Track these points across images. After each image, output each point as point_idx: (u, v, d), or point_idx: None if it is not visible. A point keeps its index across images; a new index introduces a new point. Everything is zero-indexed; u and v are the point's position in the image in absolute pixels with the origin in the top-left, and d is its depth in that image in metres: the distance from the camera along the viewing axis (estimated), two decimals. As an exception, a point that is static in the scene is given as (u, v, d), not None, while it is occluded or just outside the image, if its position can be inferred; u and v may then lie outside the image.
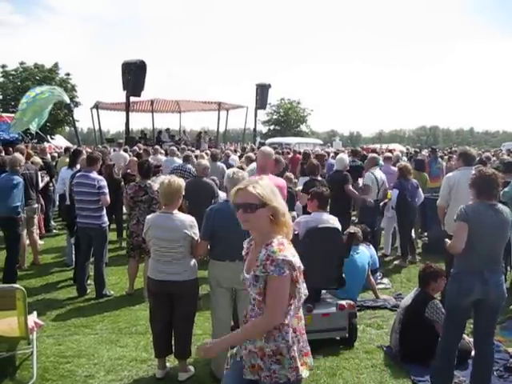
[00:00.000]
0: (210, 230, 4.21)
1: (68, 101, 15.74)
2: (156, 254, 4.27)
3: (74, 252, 7.45)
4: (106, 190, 6.57)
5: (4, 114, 20.67)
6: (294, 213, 8.07)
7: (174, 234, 4.16)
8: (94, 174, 6.59)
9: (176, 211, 4.29)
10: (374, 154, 9.51)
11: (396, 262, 8.46)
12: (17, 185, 6.67)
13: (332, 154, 15.75)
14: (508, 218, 3.94)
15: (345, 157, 8.72)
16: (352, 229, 6.33)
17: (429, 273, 4.88)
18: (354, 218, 9.19)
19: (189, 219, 4.28)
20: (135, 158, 10.41)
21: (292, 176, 8.95)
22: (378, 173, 8.51)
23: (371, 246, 7.29)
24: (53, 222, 11.16)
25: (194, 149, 17.09)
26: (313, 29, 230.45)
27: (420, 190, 8.66)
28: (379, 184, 8.27)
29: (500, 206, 3.97)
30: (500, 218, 3.90)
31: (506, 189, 6.41)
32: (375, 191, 8.23)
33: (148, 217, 4.44)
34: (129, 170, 9.81)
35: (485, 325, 4.05)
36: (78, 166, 7.79)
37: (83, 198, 6.48)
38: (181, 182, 4.34)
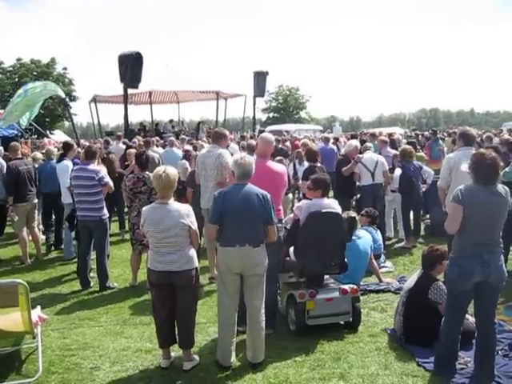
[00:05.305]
0: (218, 213, 4.21)
1: (63, 95, 15.56)
2: (154, 245, 4.25)
3: (75, 245, 7.47)
4: (107, 178, 6.59)
5: (2, 111, 20.55)
6: (291, 195, 8.06)
7: (170, 224, 4.14)
8: (92, 167, 6.57)
9: (171, 201, 4.27)
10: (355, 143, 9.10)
11: (399, 245, 8.45)
12: (55, 168, 8.32)
13: (332, 140, 15.66)
14: (506, 198, 3.89)
15: None
16: (352, 213, 6.30)
17: (435, 255, 4.85)
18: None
19: (185, 208, 4.27)
20: (133, 151, 10.35)
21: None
22: (368, 156, 8.38)
23: (378, 231, 7.25)
24: (54, 216, 11.12)
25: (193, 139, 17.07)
26: (309, 15, 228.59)
27: (425, 168, 8.62)
28: (369, 168, 8.17)
29: (499, 186, 3.92)
30: (497, 199, 3.86)
31: (506, 169, 6.37)
32: (368, 175, 8.18)
33: (144, 208, 4.41)
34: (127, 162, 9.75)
35: (486, 305, 4.04)
36: (65, 161, 8.08)
37: (82, 191, 6.48)
38: (175, 172, 4.32)
